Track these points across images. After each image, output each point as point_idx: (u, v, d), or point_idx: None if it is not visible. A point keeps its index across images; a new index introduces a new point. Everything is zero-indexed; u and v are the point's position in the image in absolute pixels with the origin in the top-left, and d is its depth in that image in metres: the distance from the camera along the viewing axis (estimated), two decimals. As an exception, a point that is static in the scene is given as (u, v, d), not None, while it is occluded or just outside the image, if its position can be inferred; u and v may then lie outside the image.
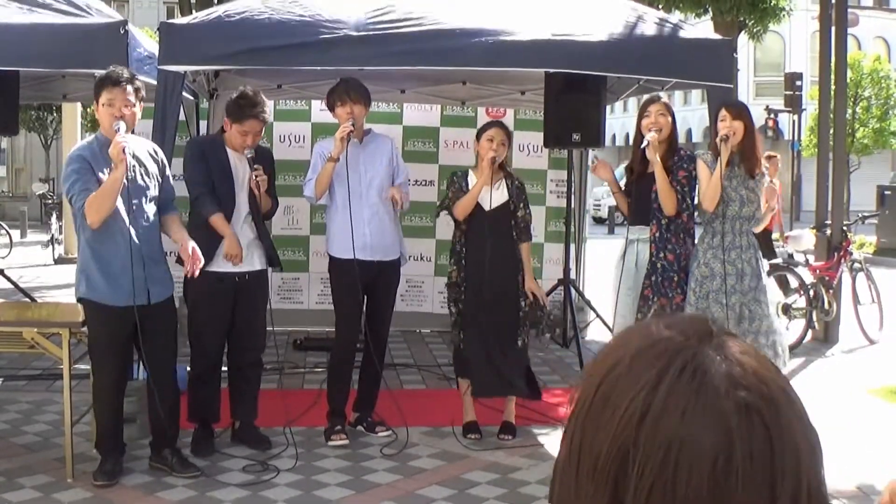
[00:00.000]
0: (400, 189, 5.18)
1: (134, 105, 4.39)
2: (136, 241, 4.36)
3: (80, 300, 4.51)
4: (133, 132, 4.49)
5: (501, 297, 5.14)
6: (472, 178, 5.25)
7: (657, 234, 5.12)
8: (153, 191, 4.54)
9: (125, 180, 4.29)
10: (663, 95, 5.60)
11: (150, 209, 4.50)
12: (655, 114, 5.14)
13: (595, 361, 0.76)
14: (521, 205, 5.27)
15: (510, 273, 5.19)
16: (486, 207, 5.18)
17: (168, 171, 4.72)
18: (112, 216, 4.32)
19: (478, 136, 5.29)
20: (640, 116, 5.24)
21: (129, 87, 4.37)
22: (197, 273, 4.54)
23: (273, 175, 5.16)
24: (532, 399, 5.36)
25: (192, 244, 4.54)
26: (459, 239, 5.24)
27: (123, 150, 4.19)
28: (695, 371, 0.69)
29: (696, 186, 5.15)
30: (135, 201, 4.39)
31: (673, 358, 0.70)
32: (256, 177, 4.84)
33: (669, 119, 5.16)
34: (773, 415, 0.68)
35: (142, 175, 4.48)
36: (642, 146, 5.11)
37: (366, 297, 5.25)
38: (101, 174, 4.32)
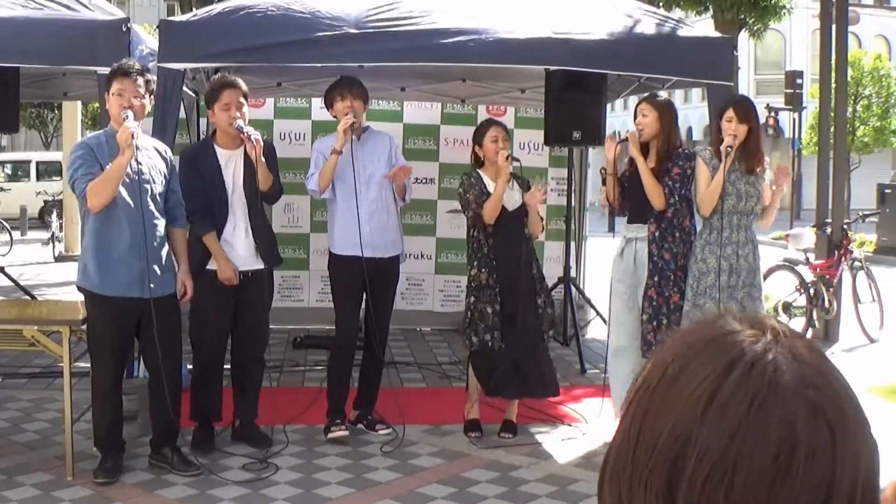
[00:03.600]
0: (401, 171, 5.19)
1: (143, 97, 4.42)
2: (139, 233, 4.37)
3: (78, 288, 4.53)
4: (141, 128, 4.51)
5: (533, 297, 5.19)
6: (486, 180, 5.24)
7: (656, 234, 5.11)
8: (160, 187, 4.55)
9: (130, 171, 4.32)
10: (663, 94, 5.57)
11: (157, 204, 4.52)
12: (640, 113, 5.13)
13: (667, 344, 0.75)
14: None
15: (529, 271, 5.22)
16: (510, 208, 5.19)
17: (176, 173, 4.73)
18: (117, 205, 4.34)
19: (477, 138, 5.29)
20: (634, 115, 5.26)
21: (140, 79, 4.41)
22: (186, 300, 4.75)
23: (276, 165, 5.14)
24: (553, 396, 5.48)
25: (183, 275, 4.67)
26: (486, 241, 5.20)
27: (132, 136, 4.21)
28: (766, 365, 0.69)
29: (692, 184, 5.12)
30: (141, 194, 4.40)
31: (747, 350, 0.70)
32: (250, 135, 4.73)
33: (654, 117, 5.07)
34: (840, 419, 0.68)
35: (150, 169, 4.50)
36: (618, 142, 5.18)
37: (366, 294, 5.26)
38: (104, 163, 4.34)
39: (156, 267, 4.50)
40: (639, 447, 0.70)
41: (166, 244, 4.61)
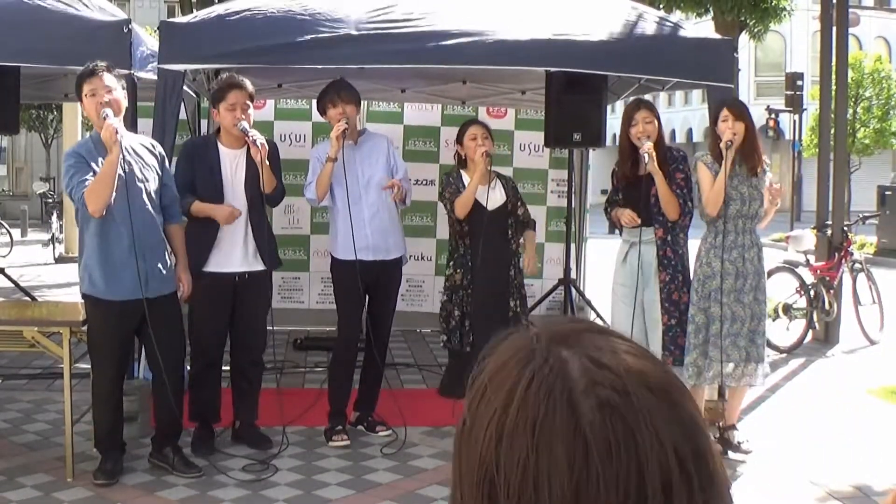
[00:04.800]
0: (399, 182, 5.19)
1: (114, 89, 4.37)
2: (136, 234, 4.36)
3: (83, 296, 4.52)
4: (127, 126, 4.49)
5: (499, 297, 5.18)
6: (465, 179, 5.29)
7: (668, 237, 5.11)
8: (152, 184, 4.53)
9: (121, 171, 4.30)
10: (646, 98, 5.57)
11: (150, 202, 4.49)
12: (642, 122, 5.06)
13: (471, 378, 0.76)
14: (519, 203, 5.46)
15: (506, 273, 5.24)
16: (490, 207, 5.22)
17: (168, 166, 4.72)
18: (113, 209, 4.32)
19: (458, 139, 5.39)
20: (626, 123, 5.14)
21: (106, 74, 4.37)
22: (185, 297, 4.77)
23: (279, 167, 5.15)
24: None
25: (181, 271, 4.69)
26: (462, 240, 5.25)
27: (116, 132, 4.19)
28: (542, 382, 0.69)
29: (695, 187, 5.13)
30: (133, 194, 4.38)
31: (522, 371, 0.71)
32: (255, 140, 4.73)
33: (656, 123, 5.10)
34: (628, 405, 0.68)
35: (140, 168, 4.48)
36: (645, 163, 4.99)
37: (367, 296, 5.26)
38: (97, 167, 4.32)
39: (159, 265, 4.51)
40: (462, 487, 0.73)
41: (165, 242, 4.62)
